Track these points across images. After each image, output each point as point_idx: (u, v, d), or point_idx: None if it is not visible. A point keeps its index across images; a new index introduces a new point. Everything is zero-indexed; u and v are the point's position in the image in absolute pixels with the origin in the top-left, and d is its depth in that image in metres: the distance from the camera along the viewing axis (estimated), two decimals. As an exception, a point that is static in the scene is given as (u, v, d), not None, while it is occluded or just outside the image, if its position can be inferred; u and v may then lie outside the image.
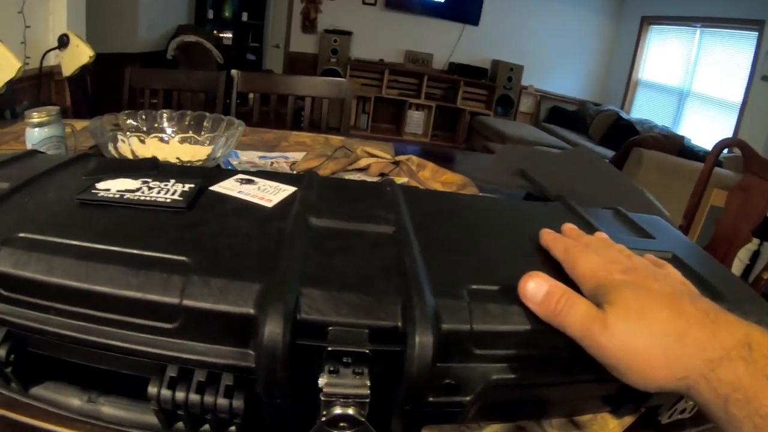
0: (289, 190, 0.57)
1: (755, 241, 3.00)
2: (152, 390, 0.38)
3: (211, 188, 0.57)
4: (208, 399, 0.38)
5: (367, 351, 0.36)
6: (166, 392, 0.38)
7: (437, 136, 6.12)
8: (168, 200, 0.51)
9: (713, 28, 4.93)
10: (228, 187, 0.57)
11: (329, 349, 0.35)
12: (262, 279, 0.39)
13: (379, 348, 0.37)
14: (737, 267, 3.05)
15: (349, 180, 0.85)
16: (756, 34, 4.31)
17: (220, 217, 0.51)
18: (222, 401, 0.38)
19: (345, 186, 0.65)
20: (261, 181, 0.59)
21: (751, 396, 0.31)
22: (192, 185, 0.55)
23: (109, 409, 0.44)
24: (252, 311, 0.37)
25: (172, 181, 0.56)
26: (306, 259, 0.43)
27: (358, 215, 0.53)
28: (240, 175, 0.60)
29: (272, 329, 0.34)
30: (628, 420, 0.54)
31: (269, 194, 0.56)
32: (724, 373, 0.32)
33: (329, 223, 0.51)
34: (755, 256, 3.07)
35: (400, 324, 0.38)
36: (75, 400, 0.45)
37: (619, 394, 0.49)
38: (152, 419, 0.42)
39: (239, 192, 0.56)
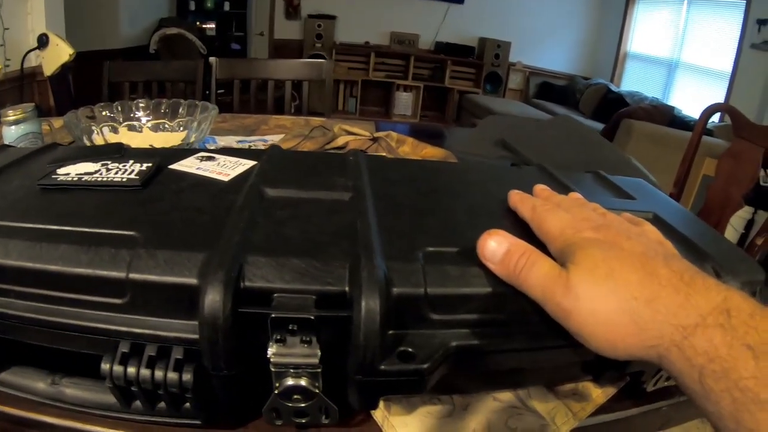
0: (248, 164, 0.56)
1: (749, 209, 2.99)
2: (105, 367, 0.38)
3: (171, 167, 0.56)
4: (158, 373, 0.37)
5: (312, 317, 0.35)
6: (117, 368, 0.38)
7: (427, 116, 6.09)
8: (124, 180, 0.51)
9: (701, -3, 4.90)
10: (187, 164, 0.56)
11: (273, 316, 0.34)
12: (207, 249, 0.38)
13: (326, 314, 0.36)
14: (731, 235, 3.05)
15: (313, 152, 0.84)
16: (744, 2, 4.29)
17: (174, 193, 0.50)
18: (171, 375, 0.37)
19: (306, 158, 0.64)
20: (221, 157, 0.58)
21: (729, 367, 0.27)
22: (150, 164, 0.54)
23: (72, 390, 0.44)
24: (196, 281, 0.36)
25: (131, 161, 0.55)
26: (255, 227, 0.42)
27: (315, 184, 0.52)
28: (201, 153, 0.59)
29: (212, 297, 0.34)
30: (613, 389, 0.52)
31: (227, 169, 0.55)
32: (699, 342, 0.29)
33: (284, 193, 0.50)
34: (750, 225, 3.07)
35: (347, 289, 0.37)
36: (40, 384, 0.45)
37: (599, 360, 0.45)
38: (113, 399, 0.42)
39: (198, 168, 0.55)
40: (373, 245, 0.40)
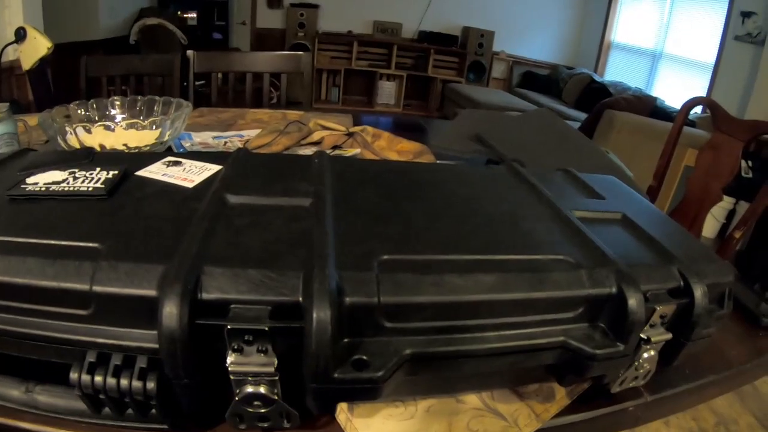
0: (214, 169, 0.57)
1: (729, 199, 3.04)
2: (73, 376, 0.39)
3: (137, 173, 0.56)
4: (124, 382, 0.38)
5: (266, 328, 0.36)
6: (85, 377, 0.39)
7: (410, 105, 6.08)
8: (90, 189, 0.52)
9: (685, -12, 4.91)
10: (153, 170, 0.57)
11: (228, 327, 0.36)
12: (166, 261, 0.39)
13: (280, 325, 0.37)
14: (712, 226, 3.10)
15: (279, 155, 0.84)
16: (728, -6, 4.31)
17: (138, 201, 0.51)
18: (136, 383, 0.38)
19: (272, 161, 0.64)
20: (187, 162, 0.58)
21: None
22: (116, 172, 0.55)
23: (45, 397, 0.45)
24: (155, 293, 0.37)
25: (98, 169, 0.56)
26: (214, 236, 0.43)
27: (277, 190, 0.53)
28: (168, 158, 0.60)
29: (169, 310, 0.35)
30: (580, 388, 0.53)
31: (193, 175, 0.56)
32: None
33: (245, 200, 0.51)
34: (731, 215, 3.11)
35: (301, 299, 0.38)
36: (14, 392, 0.46)
37: (559, 362, 0.47)
38: (84, 406, 0.43)
39: (163, 175, 0.56)
40: (327, 254, 0.41)
